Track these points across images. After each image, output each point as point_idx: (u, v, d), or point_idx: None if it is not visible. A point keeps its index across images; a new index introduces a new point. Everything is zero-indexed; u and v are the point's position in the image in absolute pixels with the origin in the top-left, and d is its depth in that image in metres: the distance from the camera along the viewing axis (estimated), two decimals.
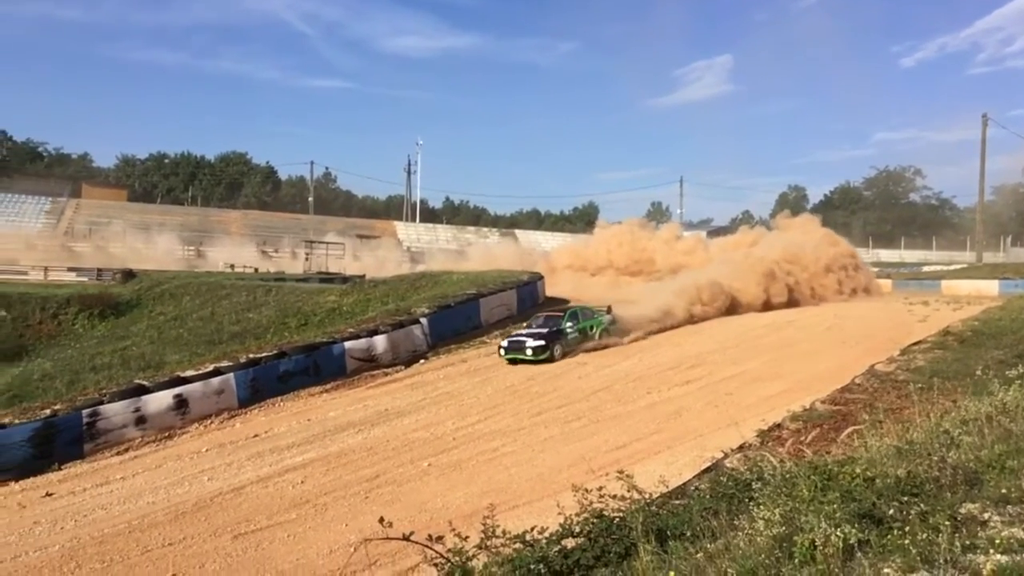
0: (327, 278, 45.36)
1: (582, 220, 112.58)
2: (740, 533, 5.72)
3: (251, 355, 23.08)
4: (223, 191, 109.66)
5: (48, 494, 16.06)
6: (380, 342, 25.93)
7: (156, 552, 12.74)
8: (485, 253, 58.61)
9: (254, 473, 16.30)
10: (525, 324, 28.29)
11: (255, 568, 11.89)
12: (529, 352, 25.20)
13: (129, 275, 43.93)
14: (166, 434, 19.69)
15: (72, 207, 75.93)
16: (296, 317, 32.48)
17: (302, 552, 12.33)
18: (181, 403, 20.23)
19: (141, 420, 19.45)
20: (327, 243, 59.27)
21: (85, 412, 18.70)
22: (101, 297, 38.19)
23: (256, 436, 19.28)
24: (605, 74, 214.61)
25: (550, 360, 25.13)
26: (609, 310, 29.41)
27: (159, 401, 19.91)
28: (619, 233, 51.45)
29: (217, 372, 21.45)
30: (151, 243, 63.00)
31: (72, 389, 24.00)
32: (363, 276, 45.43)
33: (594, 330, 27.81)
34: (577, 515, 6.85)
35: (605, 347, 27.38)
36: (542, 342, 25.39)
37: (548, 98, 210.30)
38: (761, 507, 5.80)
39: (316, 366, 23.63)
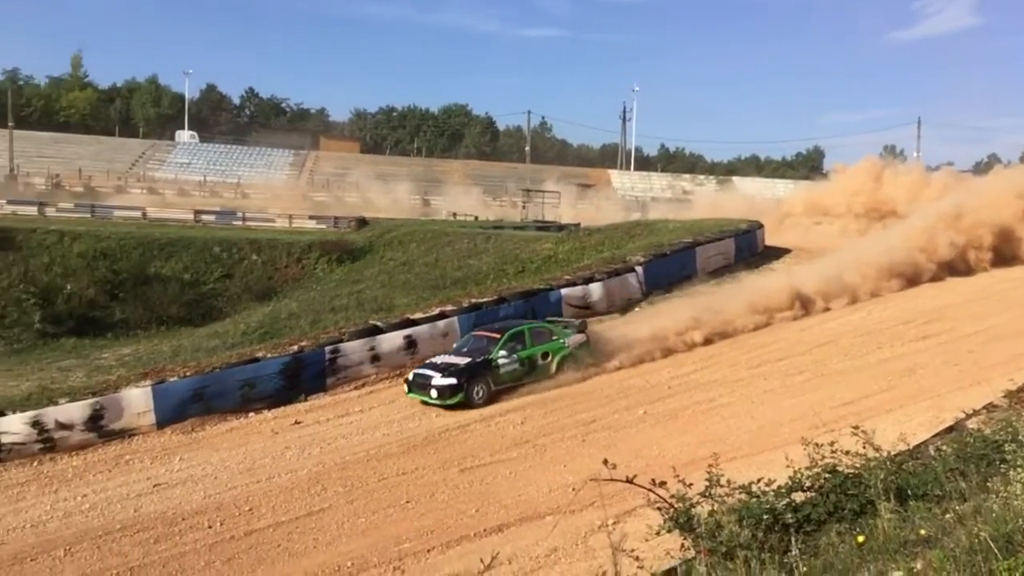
0: (543, 226, 46.10)
1: (805, 166, 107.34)
2: (993, 496, 5.36)
3: (473, 300, 24.00)
4: (445, 142, 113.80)
5: (296, 422, 17.59)
6: (595, 290, 26.13)
7: (391, 480, 13.72)
8: (710, 201, 57.11)
9: (477, 412, 17.06)
10: (455, 345, 19.94)
11: (480, 500, 12.53)
12: (434, 394, 17.31)
13: (362, 223, 46.76)
14: (397, 372, 20.94)
15: (312, 159, 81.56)
16: (514, 264, 33.34)
17: (523, 489, 12.84)
18: (411, 343, 21.41)
19: (376, 358, 20.79)
20: (543, 192, 60.14)
21: (327, 349, 20.23)
22: (338, 243, 40.93)
23: None
24: (832, 9, 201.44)
25: (467, 406, 17.25)
26: (582, 327, 20.23)
27: (391, 341, 21.17)
28: (859, 173, 45.94)
29: (443, 315, 22.48)
30: (381, 193, 66.54)
31: (315, 328, 25.96)
32: (578, 224, 45.79)
33: (550, 359, 18.85)
34: (808, 469, 6.67)
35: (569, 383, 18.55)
36: (452, 380, 17.28)
37: (769, 38, 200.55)
38: (1019, 469, 5.39)
39: (533, 312, 24.21)
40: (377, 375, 20.75)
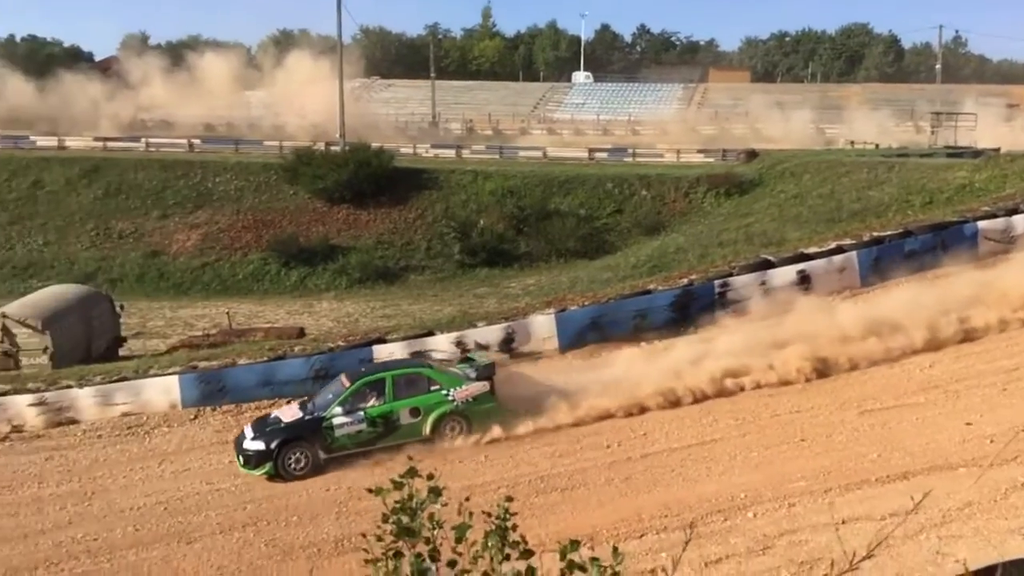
0: (955, 152, 41.51)
1: None
2: None
3: (874, 233, 22.47)
4: (843, 65, 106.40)
5: None
6: (1020, 222, 23.10)
7: (785, 417, 13.55)
8: None
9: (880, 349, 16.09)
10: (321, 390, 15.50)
11: (882, 445, 11.92)
12: (240, 460, 13.87)
13: (752, 155, 45.67)
14: (788, 308, 20.42)
15: (701, 92, 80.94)
16: (920, 195, 30.52)
17: (931, 436, 11.98)
18: (804, 279, 20.68)
19: (767, 292, 20.43)
20: (956, 114, 53.99)
21: (716, 283, 20.28)
22: (726, 176, 40.47)
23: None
24: None
25: (283, 478, 13.54)
26: (485, 374, 14.74)
27: (783, 276, 20.62)
28: None
29: (839, 250, 21.36)
30: (773, 122, 64.23)
31: (702, 262, 26.09)
32: (998, 149, 40.55)
33: (421, 419, 14.19)
34: None
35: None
36: (260, 445, 13.69)
37: None
38: None
39: (943, 246, 22.07)
40: (767, 310, 20.37)
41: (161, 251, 37.67)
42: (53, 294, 24.45)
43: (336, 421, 13.83)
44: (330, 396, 14.34)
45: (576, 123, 70.63)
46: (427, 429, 14.05)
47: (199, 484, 13.37)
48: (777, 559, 9.29)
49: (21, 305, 22.61)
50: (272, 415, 14.54)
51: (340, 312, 31.75)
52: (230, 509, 12.49)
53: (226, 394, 17.47)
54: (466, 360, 15.80)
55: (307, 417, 13.97)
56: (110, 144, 47.98)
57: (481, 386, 14.41)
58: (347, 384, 14.36)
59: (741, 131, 62.60)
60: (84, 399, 17.04)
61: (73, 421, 16.87)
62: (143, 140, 50.28)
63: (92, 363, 20.56)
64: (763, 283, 20.50)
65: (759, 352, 15.60)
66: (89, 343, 22.94)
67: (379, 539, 2.81)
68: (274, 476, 13.45)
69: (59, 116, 58.05)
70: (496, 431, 13.98)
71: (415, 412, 14.11)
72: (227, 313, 28.24)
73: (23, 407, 16.81)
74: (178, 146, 49.16)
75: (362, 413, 13.94)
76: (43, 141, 48.74)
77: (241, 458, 13.71)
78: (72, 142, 48.67)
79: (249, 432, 13.92)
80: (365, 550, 2.80)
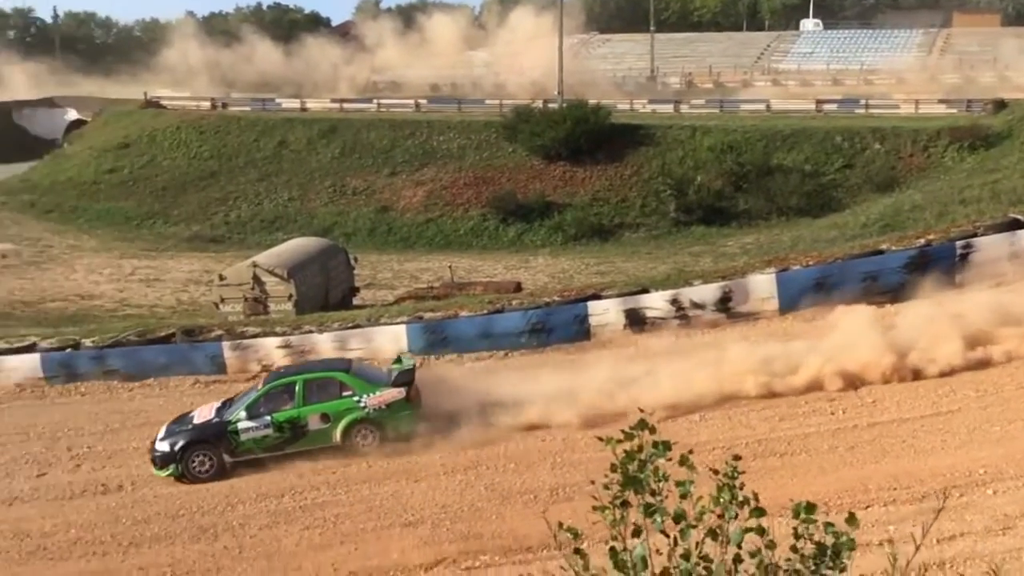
0: None
1: None
2: None
3: None
4: None
5: None
6: None
7: None
8: None
9: None
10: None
11: None
12: (152, 462, 13.64)
13: (1000, 105, 41.54)
14: None
15: (943, 37, 74.42)
16: None
17: None
18: None
19: (1016, 255, 18.71)
20: None
21: (958, 244, 18.79)
22: (970, 129, 37.18)
23: None
24: None
25: (188, 479, 13.38)
26: (402, 380, 14.11)
27: None
28: None
29: None
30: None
31: (941, 221, 24.24)
32: None
33: (331, 425, 13.70)
34: None
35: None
36: (166, 447, 13.51)
37: None
38: None
39: None
40: (1015, 274, 18.67)
41: (390, 207, 39.73)
42: (297, 246, 26.51)
43: (241, 426, 13.55)
44: (247, 399, 14.04)
45: (803, 74, 67.10)
46: (337, 436, 13.59)
47: (424, 428, 14.10)
48: (1018, 540, 8.64)
49: (269, 256, 24.69)
50: (189, 414, 14.30)
51: (555, 268, 32.25)
52: (452, 453, 13.15)
53: (449, 344, 18.33)
54: (398, 361, 15.17)
55: (214, 420, 13.77)
56: (346, 105, 50.92)
57: (396, 393, 13.78)
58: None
59: (988, 79, 56.99)
60: (323, 343, 18.43)
61: None
62: (375, 101, 52.97)
63: (329, 310, 22.19)
64: (1011, 245, 18.80)
65: (1008, 319, 14.35)
66: (327, 292, 24.72)
67: (606, 487, 2.89)
68: (180, 478, 13.32)
69: (303, 80, 62.31)
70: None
71: (325, 418, 13.65)
72: (449, 267, 29.44)
73: (272, 349, 18.44)
74: (406, 106, 51.40)
75: (268, 418, 13.59)
76: (287, 103, 52.50)
77: (150, 458, 13.58)
78: (312, 104, 52.10)
79: (162, 432, 13.79)
80: (594, 497, 2.89)
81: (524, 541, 10.19)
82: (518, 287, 24.86)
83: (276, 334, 18.78)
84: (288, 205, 40.48)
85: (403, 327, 18.55)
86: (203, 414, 14.06)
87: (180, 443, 13.39)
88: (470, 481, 12.21)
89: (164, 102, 52.31)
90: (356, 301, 26.10)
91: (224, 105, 51.72)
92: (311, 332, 18.74)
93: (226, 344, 18.40)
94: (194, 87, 61.56)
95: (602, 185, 39.13)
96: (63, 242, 36.74)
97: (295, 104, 51.97)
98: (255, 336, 18.75)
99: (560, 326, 18.16)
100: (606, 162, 39.89)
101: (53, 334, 19.44)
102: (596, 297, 18.63)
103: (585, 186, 39.21)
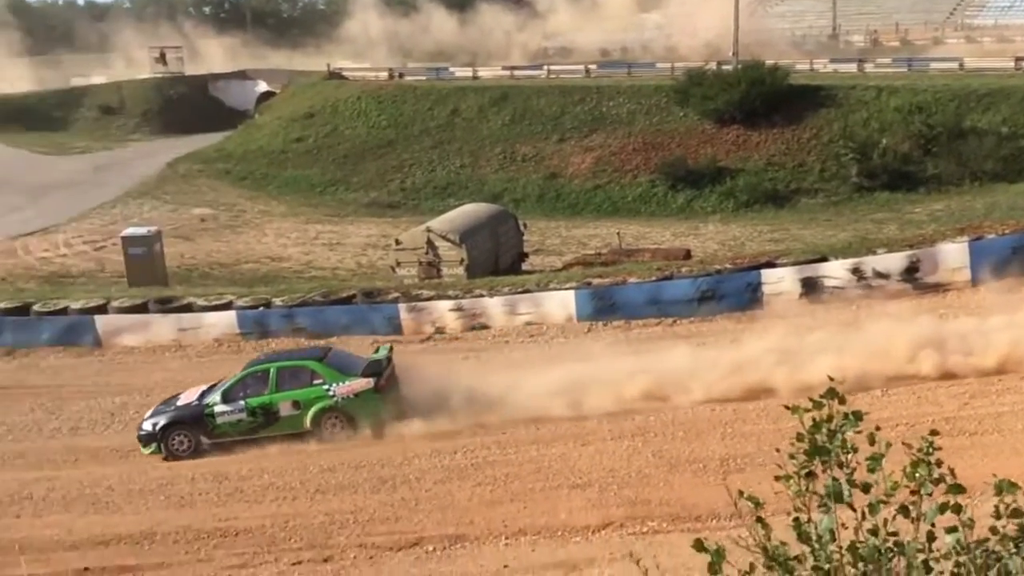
0: None
1: None
2: None
3: None
4: None
5: None
6: None
7: None
8: None
9: None
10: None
11: None
12: (138, 439, 14.34)
13: None
14: None
15: None
16: None
17: None
18: None
19: None
20: None
21: None
22: None
23: None
24: None
25: (167, 456, 14.11)
26: (372, 370, 14.34)
27: None
28: None
29: None
30: None
31: None
32: None
33: (302, 412, 14.04)
34: None
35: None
36: (149, 426, 14.24)
37: None
38: None
39: None
40: None
41: (558, 173, 39.88)
42: (468, 212, 27.16)
43: (217, 409, 14.14)
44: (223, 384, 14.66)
45: (1001, 29, 61.92)
46: (307, 422, 14.02)
47: (592, 394, 14.20)
48: None
49: (442, 221, 25.43)
50: (176, 396, 14.94)
51: (726, 235, 31.50)
52: (620, 418, 13.21)
53: (617, 310, 18.36)
54: (378, 350, 15.28)
55: (194, 403, 14.42)
56: (516, 72, 51.34)
57: (364, 383, 14.04)
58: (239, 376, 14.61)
59: None
60: (494, 307, 18.90)
61: (484, 326, 18.82)
62: (545, 68, 53.11)
63: (499, 275, 22.66)
64: None
65: None
66: (497, 257, 25.23)
67: (792, 456, 2.85)
68: (167, 456, 14.07)
69: (476, 48, 63.27)
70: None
71: (296, 405, 14.09)
72: (617, 233, 29.31)
73: (444, 311, 19.08)
74: (576, 72, 51.23)
75: (243, 403, 14.12)
76: (460, 72, 53.49)
77: (136, 436, 14.36)
78: (484, 72, 52.83)
79: (149, 412, 14.61)
80: (779, 466, 2.86)
81: (693, 510, 10.15)
82: (687, 254, 24.48)
83: (448, 297, 19.40)
84: (460, 172, 41.40)
85: (571, 292, 18.72)
86: (187, 397, 14.77)
87: (161, 423, 14.19)
88: (637, 447, 12.23)
89: (346, 73, 54.47)
90: (525, 266, 26.50)
91: (401, 75, 53.30)
92: (482, 296, 19.24)
93: (402, 306, 19.19)
94: (374, 58, 63.79)
95: (778, 149, 37.71)
96: (255, 207, 39.17)
97: (467, 73, 52.86)
98: (429, 299, 19.45)
99: (731, 294, 17.81)
100: (782, 125, 38.38)
101: (247, 293, 20.87)
102: (770, 265, 18.14)
103: (759, 150, 37.92)
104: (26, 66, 66.73)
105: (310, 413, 14.02)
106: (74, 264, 30.09)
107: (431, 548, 10.48)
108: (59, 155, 47.14)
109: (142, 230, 27.67)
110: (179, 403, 14.63)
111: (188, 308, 19.64)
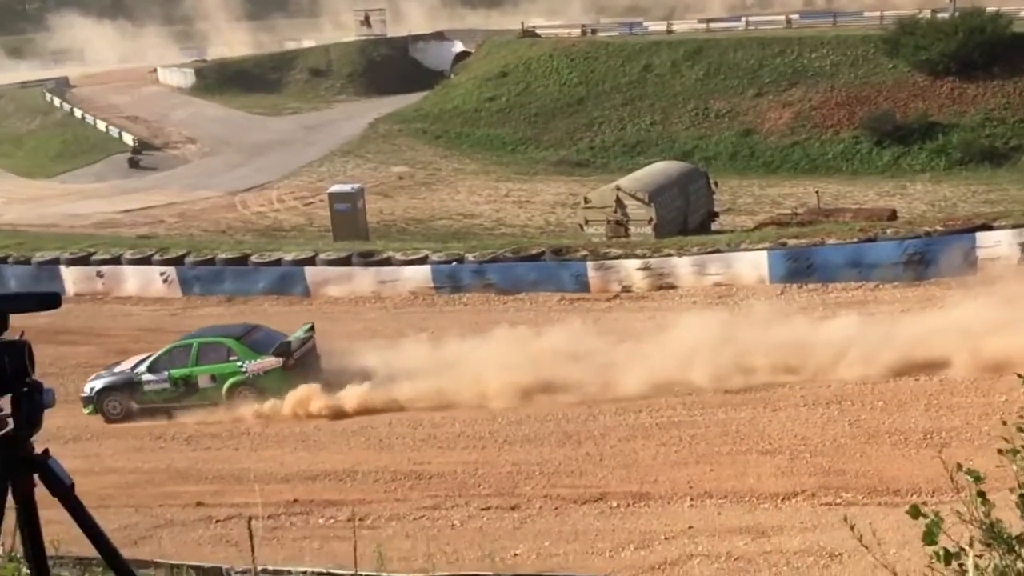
0: None
1: None
2: None
3: None
4: None
5: None
6: None
7: None
8: None
9: None
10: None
11: None
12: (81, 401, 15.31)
13: None
14: None
15: None
16: None
17: None
18: None
19: None
20: None
21: None
22: None
23: None
24: None
25: (106, 420, 15.33)
26: (281, 351, 15.27)
27: None
28: None
29: None
30: None
31: None
32: None
33: (218, 385, 15.20)
34: None
35: None
36: (88, 390, 15.37)
37: None
38: None
39: None
40: None
41: (753, 130, 38.48)
42: (658, 170, 26.76)
43: (144, 378, 15.36)
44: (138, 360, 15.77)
45: None
46: (223, 394, 15.18)
47: (787, 358, 13.76)
48: None
49: (631, 179, 25.20)
50: (118, 363, 15.99)
51: (936, 195, 29.48)
52: (815, 386, 12.76)
53: (813, 272, 17.65)
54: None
55: (128, 371, 15.57)
56: (712, 25, 49.77)
57: (273, 362, 15.13)
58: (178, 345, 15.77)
59: None
60: (682, 267, 18.63)
61: (671, 286, 18.61)
62: (743, 19, 51.17)
63: (688, 235, 22.27)
64: None
65: None
66: (686, 216, 24.75)
67: (1020, 429, 2.67)
68: (106, 419, 15.23)
69: (673, 1, 61.73)
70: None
71: (213, 378, 15.28)
72: (815, 192, 28.05)
73: (631, 271, 19.01)
74: (776, 23, 49.05)
75: (167, 374, 15.31)
76: (654, 26, 52.48)
77: (80, 398, 15.23)
78: (679, 26, 51.54)
79: (93, 376, 15.63)
80: (1005, 439, 2.69)
81: (891, 483, 9.72)
82: (893, 215, 23.08)
83: (636, 256, 19.30)
84: (650, 129, 40.77)
85: (764, 253, 18.16)
86: (124, 365, 15.89)
87: (97, 388, 15.38)
88: (832, 416, 11.80)
89: (539, 31, 54.69)
90: (715, 226, 25.89)
91: (593, 31, 52.89)
92: (670, 256, 19.01)
93: (590, 264, 19.28)
94: (568, 14, 63.57)
95: (997, 103, 34.66)
96: (449, 165, 40.32)
97: (661, 27, 51.76)
98: (617, 257, 19.41)
99: (941, 258, 16.66)
100: (1003, 77, 35.19)
101: (441, 248, 21.60)
102: (986, 228, 16.84)
103: (976, 104, 34.99)
104: (245, 31, 71.28)
105: (225, 386, 15.25)
106: (286, 218, 32.17)
107: (615, 504, 10.61)
108: (273, 116, 50.24)
109: (347, 187, 29.17)
110: (116, 370, 15.83)
111: (387, 262, 20.56)
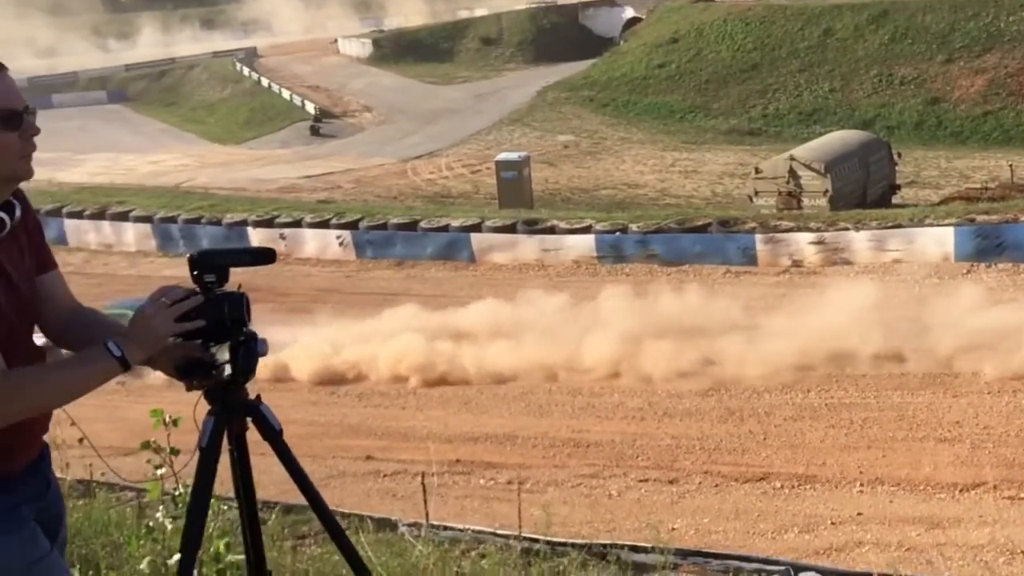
0: None
1: None
2: None
3: None
4: None
5: None
6: None
7: None
8: None
9: None
10: None
11: None
12: None
13: None
14: None
15: None
16: None
17: None
18: None
19: None
20: None
21: None
22: None
23: None
24: None
25: None
26: None
27: None
28: None
29: None
30: None
31: None
32: None
33: None
34: None
35: None
36: None
37: None
38: None
39: None
40: None
41: (941, 98, 36.03)
42: (836, 139, 25.60)
43: None
44: None
45: None
46: None
47: (971, 340, 12.94)
48: None
49: (807, 149, 24.22)
50: None
51: None
52: (998, 366, 11.94)
53: (1004, 250, 16.47)
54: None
55: None
56: None
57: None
58: None
59: None
60: (859, 242, 17.79)
61: (847, 262, 17.79)
62: None
63: (867, 208, 21.20)
64: None
65: None
66: (865, 189, 23.59)
67: None
68: None
69: None
70: None
71: None
72: (1009, 165, 26.07)
73: (803, 244, 18.30)
74: None
75: None
76: None
77: None
78: None
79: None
80: None
81: None
82: None
83: (809, 229, 18.58)
84: (828, 97, 38.90)
85: (950, 230, 17.11)
86: None
87: None
88: (1020, 405, 11.02)
89: None
90: (896, 199, 24.57)
91: None
92: (846, 229, 18.21)
93: (759, 237, 18.71)
94: None
95: None
96: (615, 134, 39.96)
97: None
98: (788, 230, 18.75)
99: None
100: None
101: (605, 218, 21.51)
102: None
103: None
104: (422, 0, 72.99)
105: None
106: (454, 185, 32.91)
107: (779, 485, 10.35)
108: (445, 84, 51.27)
109: (513, 155, 29.52)
110: None
111: (551, 230, 20.70)
